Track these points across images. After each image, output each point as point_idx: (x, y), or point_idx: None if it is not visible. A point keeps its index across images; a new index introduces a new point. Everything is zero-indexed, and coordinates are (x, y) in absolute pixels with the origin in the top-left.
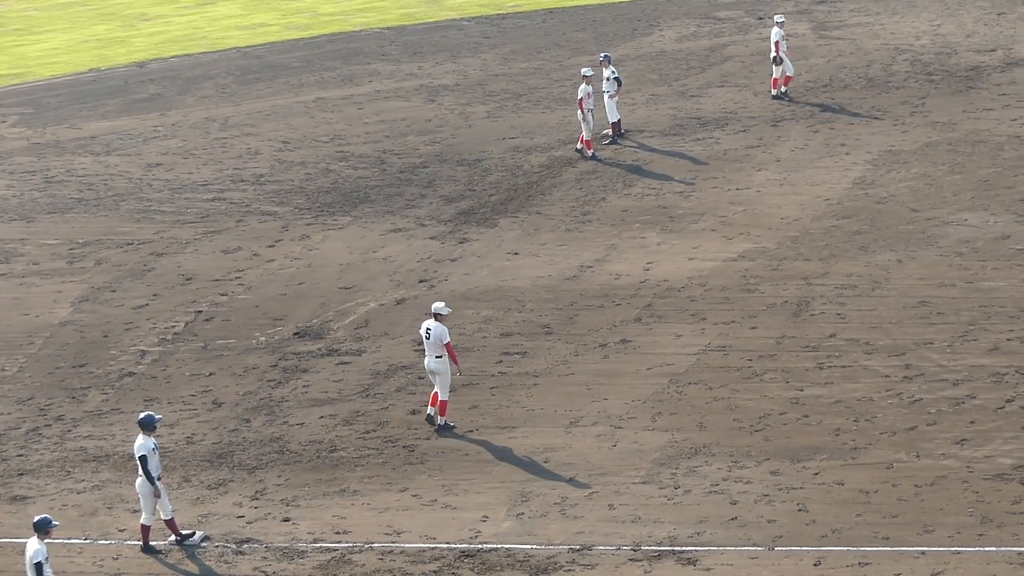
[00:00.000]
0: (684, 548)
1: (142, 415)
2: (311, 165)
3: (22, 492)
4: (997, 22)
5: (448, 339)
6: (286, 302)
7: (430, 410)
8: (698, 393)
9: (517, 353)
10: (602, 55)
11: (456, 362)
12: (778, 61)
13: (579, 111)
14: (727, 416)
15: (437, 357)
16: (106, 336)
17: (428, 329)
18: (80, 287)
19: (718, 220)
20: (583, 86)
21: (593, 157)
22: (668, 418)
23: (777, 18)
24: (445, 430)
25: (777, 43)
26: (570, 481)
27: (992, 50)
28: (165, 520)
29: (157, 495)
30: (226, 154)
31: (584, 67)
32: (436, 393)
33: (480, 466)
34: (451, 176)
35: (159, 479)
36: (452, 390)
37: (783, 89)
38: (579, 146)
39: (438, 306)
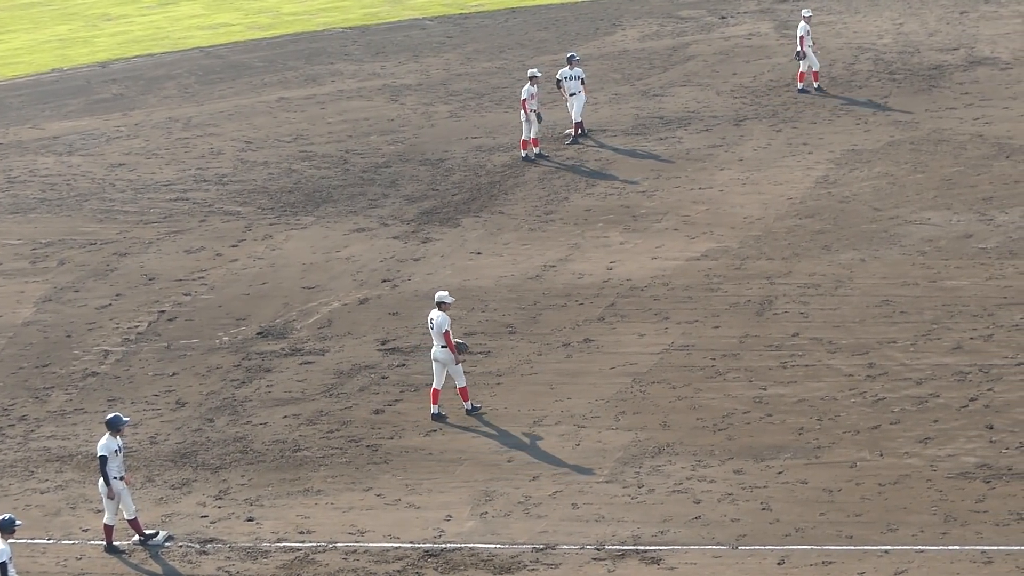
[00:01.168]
0: (648, 547)
1: (109, 416)
2: (274, 165)
3: None
4: (959, 21)
5: (447, 328)
6: (249, 302)
7: (434, 409)
8: (661, 392)
9: (480, 352)
10: (570, 54)
11: (454, 351)
12: (801, 55)
13: (522, 111)
14: (690, 415)
15: (442, 347)
16: (69, 336)
17: (431, 319)
18: (43, 287)
19: (681, 219)
20: (527, 87)
21: (532, 157)
22: (631, 417)
23: (804, 12)
24: (474, 411)
25: (802, 38)
26: (534, 480)
27: (955, 49)
28: (128, 520)
29: (111, 496)
30: (189, 154)
31: (531, 68)
32: (435, 389)
33: (443, 466)
34: (414, 176)
35: (122, 479)
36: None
37: (816, 84)
38: (523, 152)
39: (442, 295)
